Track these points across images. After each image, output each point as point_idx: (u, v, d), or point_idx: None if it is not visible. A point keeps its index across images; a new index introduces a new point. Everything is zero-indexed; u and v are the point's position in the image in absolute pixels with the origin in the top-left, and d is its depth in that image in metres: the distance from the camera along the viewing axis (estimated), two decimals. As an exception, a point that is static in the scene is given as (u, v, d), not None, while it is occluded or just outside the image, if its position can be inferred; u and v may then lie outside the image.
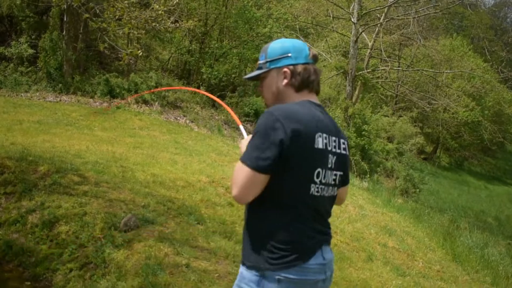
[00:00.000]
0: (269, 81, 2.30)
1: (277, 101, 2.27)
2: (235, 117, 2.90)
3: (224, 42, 21.87)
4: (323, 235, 2.23)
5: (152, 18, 6.06)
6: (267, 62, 2.29)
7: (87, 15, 5.73)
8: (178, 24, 7.88)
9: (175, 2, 6.69)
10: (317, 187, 2.16)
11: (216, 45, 21.32)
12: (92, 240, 5.05)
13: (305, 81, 2.25)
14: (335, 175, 2.25)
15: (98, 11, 6.01)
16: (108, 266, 4.60)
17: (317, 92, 2.32)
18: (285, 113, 2.06)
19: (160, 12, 6.47)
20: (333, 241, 6.96)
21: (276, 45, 2.29)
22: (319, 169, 2.15)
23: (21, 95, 14.49)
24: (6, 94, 14.29)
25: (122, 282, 4.27)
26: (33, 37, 17.10)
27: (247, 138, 2.29)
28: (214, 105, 20.43)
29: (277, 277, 2.09)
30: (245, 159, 2.03)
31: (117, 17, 5.81)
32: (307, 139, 2.08)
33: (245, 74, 21.34)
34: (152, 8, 6.08)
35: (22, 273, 4.95)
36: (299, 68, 2.24)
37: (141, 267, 4.45)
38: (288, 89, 2.26)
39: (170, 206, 6.22)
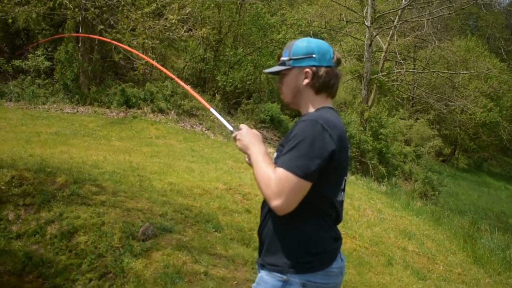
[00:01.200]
0: (289, 78, 2.29)
1: (295, 99, 2.29)
2: (203, 102, 2.80)
3: (238, 50, 21.91)
4: (340, 239, 2.30)
5: (166, 28, 6.09)
6: (290, 59, 2.26)
7: (101, 27, 5.78)
8: (191, 33, 7.90)
9: (188, 11, 6.71)
10: (341, 193, 2.24)
11: (231, 52, 21.37)
12: (111, 250, 5.07)
13: (326, 84, 2.24)
14: (345, 180, 2.29)
15: (112, 22, 6.06)
16: (127, 276, 4.62)
17: (333, 97, 2.32)
18: (328, 122, 2.06)
19: (173, 21, 6.50)
20: (352, 245, 6.94)
21: (302, 44, 2.26)
22: (345, 176, 2.26)
23: (39, 107, 14.64)
24: (24, 107, 14.45)
25: (141, 291, 4.28)
26: (49, 49, 17.28)
27: (247, 132, 2.26)
28: (229, 112, 20.47)
29: (302, 281, 2.09)
30: (293, 168, 1.97)
31: (131, 27, 5.85)
32: (346, 149, 2.16)
33: (260, 81, 21.42)
34: (166, 18, 6.11)
35: (42, 284, 5.00)
36: (322, 71, 2.22)
37: (159, 275, 4.46)
38: (308, 89, 2.25)
39: (188, 214, 6.23)
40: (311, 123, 2.04)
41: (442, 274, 6.90)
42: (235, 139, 2.29)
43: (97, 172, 7.32)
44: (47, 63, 16.44)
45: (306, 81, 2.23)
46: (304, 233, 2.12)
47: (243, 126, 2.30)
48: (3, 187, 6.14)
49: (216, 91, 20.15)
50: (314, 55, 2.23)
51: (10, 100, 14.88)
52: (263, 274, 2.17)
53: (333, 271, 2.16)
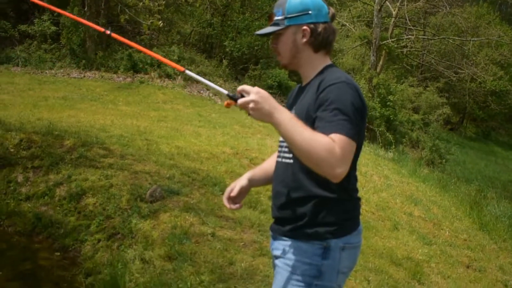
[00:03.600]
0: (286, 38, 2.16)
1: (294, 60, 2.17)
2: (176, 65, 2.31)
3: (246, 15, 21.67)
4: None
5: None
6: (285, 18, 2.13)
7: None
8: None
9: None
10: None
11: (238, 17, 21.14)
12: (119, 211, 5.12)
13: (325, 41, 2.15)
14: None
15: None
16: (135, 236, 4.67)
17: (330, 54, 2.23)
18: (354, 83, 2.03)
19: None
20: (358, 210, 6.96)
21: (295, 1, 2.14)
22: None
23: (46, 72, 14.62)
24: (31, 72, 14.44)
25: (149, 251, 4.33)
26: (55, 14, 17.13)
27: (263, 96, 1.88)
28: (237, 78, 20.36)
29: (342, 244, 2.08)
30: (349, 133, 1.88)
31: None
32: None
33: (267, 47, 21.22)
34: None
35: (52, 244, 5.07)
36: (320, 27, 2.13)
37: (167, 236, 4.50)
38: (306, 48, 2.15)
39: (195, 177, 6.25)
40: (344, 86, 1.98)
41: (447, 240, 6.92)
42: (243, 106, 1.91)
43: (105, 135, 7.33)
44: (53, 28, 16.33)
45: (305, 39, 2.13)
46: (349, 199, 2.13)
47: (252, 88, 1.91)
48: (11, 150, 6.18)
49: (223, 56, 20.01)
50: (310, 12, 2.12)
51: (17, 65, 14.87)
52: (300, 244, 2.11)
53: (361, 228, 2.19)
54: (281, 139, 2.23)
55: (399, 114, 19.34)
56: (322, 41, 2.15)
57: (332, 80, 2.01)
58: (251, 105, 1.88)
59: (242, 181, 2.40)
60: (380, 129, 17.42)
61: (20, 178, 5.87)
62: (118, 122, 8.97)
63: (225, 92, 2.02)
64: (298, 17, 2.12)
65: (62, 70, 14.99)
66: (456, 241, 6.96)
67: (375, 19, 18.63)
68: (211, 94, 16.33)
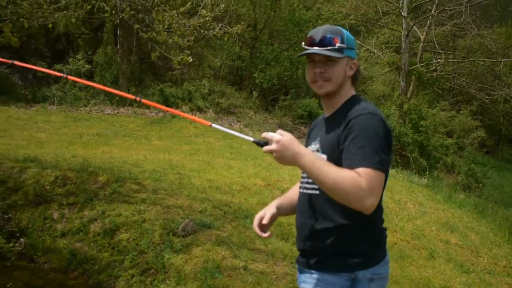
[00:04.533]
0: (341, 67, 2.19)
1: (338, 88, 2.22)
2: (202, 121, 2.45)
3: (274, 46, 21.92)
4: None
5: (200, 25, 6.17)
6: (346, 48, 2.20)
7: (137, 26, 5.90)
8: (226, 29, 7.97)
9: (222, 7, 6.78)
10: None
11: (267, 49, 21.39)
12: (152, 246, 5.17)
13: (358, 76, 2.28)
14: None
15: (148, 22, 6.19)
16: (168, 271, 4.70)
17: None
18: (380, 113, 2.09)
19: (207, 18, 6.57)
20: (392, 239, 6.85)
21: (349, 35, 2.24)
22: None
23: (81, 110, 15.02)
24: (66, 110, 14.85)
25: (181, 286, 4.36)
26: (89, 53, 17.70)
27: (286, 142, 1.97)
28: (267, 109, 20.50)
29: (370, 276, 2.09)
30: (376, 164, 1.93)
31: (166, 26, 5.95)
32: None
33: (297, 76, 21.34)
34: (200, 15, 6.18)
35: (87, 280, 5.14)
36: (357, 63, 2.27)
37: (199, 270, 4.52)
38: (348, 80, 2.24)
39: (227, 210, 6.28)
40: (370, 117, 2.03)
41: (486, 267, 6.75)
42: (269, 152, 2.00)
43: (138, 170, 7.45)
44: (87, 66, 16.84)
45: (351, 72, 2.23)
46: (374, 229, 2.14)
47: (273, 137, 1.99)
48: (47, 187, 6.33)
49: (253, 88, 20.22)
50: (355, 49, 2.26)
51: (53, 104, 15.32)
52: (326, 276, 2.12)
53: (388, 258, 2.19)
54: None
55: (432, 139, 19.08)
56: (358, 76, 2.26)
57: (357, 111, 2.07)
58: (274, 154, 1.98)
59: (271, 209, 2.43)
60: (413, 155, 17.18)
61: (55, 215, 6.00)
62: (150, 157, 9.11)
63: (251, 139, 2.13)
64: (352, 50, 2.22)
65: (96, 107, 15.38)
66: (496, 268, 6.77)
67: (403, 45, 18.59)
68: (242, 126, 16.48)
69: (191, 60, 5.45)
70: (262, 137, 2.04)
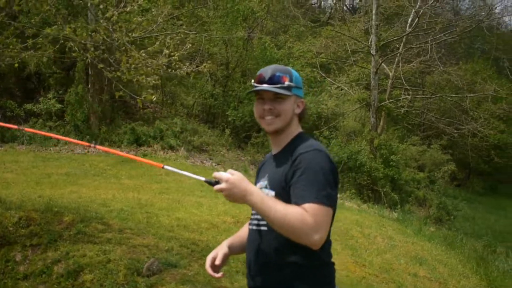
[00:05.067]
0: (289, 104, 2.28)
1: (286, 125, 2.29)
2: (152, 163, 2.60)
3: (247, 84, 22.16)
4: None
5: (166, 64, 6.25)
6: (294, 87, 2.29)
7: (101, 65, 5.96)
8: (194, 68, 8.08)
9: (188, 46, 6.90)
10: None
11: (240, 87, 21.60)
12: (116, 287, 5.09)
13: (304, 114, 2.38)
14: None
15: (112, 61, 6.25)
16: (131, 312, 4.62)
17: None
18: (325, 149, 2.16)
19: (174, 58, 6.66)
20: (361, 274, 6.88)
21: (297, 75, 2.34)
22: None
23: (50, 149, 14.86)
24: (35, 149, 14.68)
25: (144, 327, 4.28)
26: (60, 92, 17.62)
27: (234, 181, 2.03)
28: (240, 146, 20.57)
29: None
30: (323, 200, 1.97)
31: (132, 65, 6.02)
32: None
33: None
34: (165, 55, 6.27)
35: (49, 323, 5.01)
36: (304, 102, 2.39)
37: (163, 311, 4.46)
38: (295, 118, 2.33)
39: (194, 248, 6.24)
40: (316, 153, 2.10)
41: (454, 300, 6.81)
42: (219, 190, 2.06)
43: (105, 210, 7.39)
44: (58, 106, 16.73)
45: (298, 110, 2.33)
46: (322, 264, 2.18)
47: (222, 176, 2.07)
48: (10, 229, 6.22)
49: (226, 125, 20.32)
50: (302, 88, 2.36)
51: (22, 144, 15.13)
52: None
53: None
54: None
55: (403, 173, 19.31)
56: (304, 114, 2.36)
57: (304, 148, 2.14)
58: (224, 192, 2.05)
59: (223, 249, 2.46)
60: (385, 190, 17.36)
61: (18, 257, 5.88)
62: (119, 196, 9.03)
63: (202, 179, 2.22)
64: (300, 89, 2.32)
65: (66, 147, 15.23)
66: (463, 301, 6.83)
67: (372, 82, 19.00)
68: (214, 164, 16.47)
69: (155, 98, 5.50)
70: (213, 176, 2.10)
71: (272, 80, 2.26)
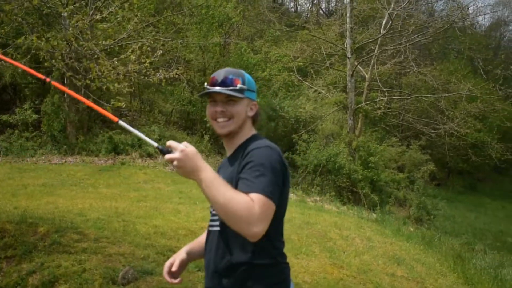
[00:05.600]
0: (241, 107, 2.32)
1: (239, 128, 2.33)
2: (109, 115, 2.39)
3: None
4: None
5: (137, 71, 6.26)
6: (247, 90, 2.34)
7: (69, 74, 5.95)
8: (166, 74, 8.09)
9: (159, 53, 6.92)
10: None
11: (217, 93, 21.58)
12: (91, 296, 5.07)
13: (258, 117, 2.41)
14: None
15: (80, 70, 6.25)
16: (106, 321, 4.60)
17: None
18: (276, 147, 2.18)
19: (145, 65, 6.67)
20: (338, 275, 6.92)
21: (250, 78, 2.38)
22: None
23: (27, 160, 14.72)
24: (12, 161, 14.52)
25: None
26: (36, 102, 17.48)
27: (187, 155, 1.97)
28: (219, 152, 20.56)
29: None
30: (268, 194, 1.97)
31: (101, 73, 6.02)
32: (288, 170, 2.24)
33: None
34: (134, 62, 6.29)
35: (23, 336, 4.96)
36: (257, 105, 2.42)
37: (137, 318, 4.45)
38: (249, 121, 2.37)
39: (170, 255, 6.18)
40: (268, 150, 2.13)
41: (431, 298, 6.88)
42: (169, 161, 2.01)
43: (81, 220, 7.35)
44: (34, 116, 16.59)
45: (251, 113, 2.37)
46: (273, 263, 2.19)
47: (178, 146, 2.00)
48: (-16, 242, 6.15)
49: (204, 132, 20.31)
50: (255, 91, 2.40)
51: (-2, 155, 14.97)
52: None
53: None
54: (211, 208, 2.30)
55: (382, 175, 19.45)
56: (258, 118, 2.40)
57: (256, 145, 2.17)
58: (174, 162, 1.97)
59: (181, 255, 2.52)
60: (364, 191, 17.47)
61: (-7, 270, 5.82)
62: (96, 205, 8.98)
63: (155, 144, 2.11)
64: (253, 92, 2.36)
65: (43, 157, 15.10)
66: (440, 299, 6.91)
67: (349, 84, 19.15)
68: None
69: (124, 105, 5.52)
70: (167, 145, 2.02)
71: (224, 83, 2.30)
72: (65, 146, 15.84)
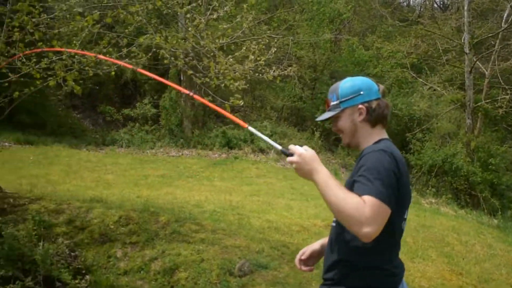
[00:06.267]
0: (344, 120, 2.35)
1: (354, 138, 2.35)
2: (238, 121, 2.65)
3: (336, 86, 21.96)
4: (403, 270, 2.33)
5: (252, 69, 6.37)
6: (340, 102, 2.34)
7: (190, 72, 6.17)
8: (280, 72, 8.16)
9: (273, 51, 6.99)
10: (404, 223, 2.30)
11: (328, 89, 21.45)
12: (209, 286, 5.24)
13: (380, 116, 2.33)
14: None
15: (201, 68, 6.45)
16: (224, 311, 4.73)
17: (386, 127, 2.39)
18: (392, 152, 2.15)
19: (260, 62, 6.76)
20: (457, 282, 6.61)
21: (346, 85, 2.35)
22: (409, 204, 2.31)
23: (147, 152, 15.55)
24: (133, 152, 15.41)
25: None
26: (155, 97, 18.45)
27: (306, 157, 2.15)
28: (330, 149, 20.43)
29: None
30: (382, 196, 1.99)
31: (219, 71, 6.19)
32: (408, 177, 2.23)
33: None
34: (251, 60, 6.39)
35: (147, 318, 5.23)
36: (374, 104, 2.32)
37: (254, 310, 4.53)
38: (364, 125, 2.33)
39: (284, 251, 6.28)
40: (381, 154, 2.11)
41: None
42: (291, 163, 2.19)
43: (198, 211, 7.62)
44: (153, 110, 17.53)
45: (361, 117, 2.32)
46: (376, 267, 2.20)
47: (297, 149, 2.19)
48: (111, 227, 6.57)
49: (315, 128, 20.25)
50: (361, 92, 2.32)
51: (121, 146, 15.97)
52: None
53: None
54: None
55: (503, 178, 18.28)
56: (377, 116, 2.32)
57: (370, 149, 2.18)
58: (293, 165, 2.17)
59: (314, 245, 2.60)
60: (483, 195, 16.51)
61: (119, 254, 6.19)
62: (212, 198, 9.27)
63: (279, 147, 2.35)
64: (351, 99, 2.32)
65: (161, 150, 15.88)
66: None
67: (467, 81, 18.14)
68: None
69: (242, 103, 5.61)
70: (289, 148, 2.22)
71: (328, 105, 2.42)
72: (181, 140, 16.54)
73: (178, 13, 10.18)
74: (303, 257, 2.54)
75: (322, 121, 2.46)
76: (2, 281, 6.05)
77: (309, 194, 11.15)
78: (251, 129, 2.52)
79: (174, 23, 15.41)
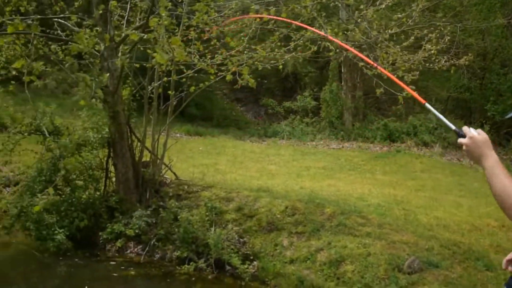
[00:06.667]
0: None
1: None
2: (417, 96, 2.63)
3: (508, 75, 20.27)
4: None
5: (424, 59, 6.11)
6: None
7: (362, 64, 6.09)
8: (452, 62, 7.74)
9: (446, 39, 6.63)
10: None
11: (500, 79, 19.89)
12: (377, 280, 5.16)
13: None
14: None
15: (372, 59, 6.33)
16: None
17: None
18: None
19: (432, 51, 6.46)
20: None
21: None
22: None
23: (307, 144, 15.75)
24: (294, 144, 15.71)
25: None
26: (315, 90, 18.60)
27: (478, 142, 2.06)
28: (500, 143, 18.95)
29: None
30: None
31: (390, 62, 6.02)
32: None
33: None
34: (424, 49, 6.13)
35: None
36: None
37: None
38: None
39: (455, 250, 5.96)
40: None
41: None
42: (460, 144, 2.13)
43: (362, 204, 7.53)
44: (313, 103, 17.70)
45: None
46: None
47: (469, 131, 2.12)
48: (278, 216, 6.77)
49: (484, 121, 18.91)
50: None
51: (283, 138, 16.38)
52: None
53: None
54: None
55: None
56: None
57: None
58: (464, 147, 2.11)
59: None
60: None
61: (285, 242, 6.36)
62: (375, 191, 9.11)
63: (453, 127, 2.27)
64: None
65: (322, 142, 15.97)
66: None
67: None
68: (472, 162, 15.47)
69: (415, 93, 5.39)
70: (463, 129, 2.17)
71: None
72: (341, 132, 16.49)
73: (340, 4, 10.13)
74: (508, 257, 2.36)
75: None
76: (178, 261, 6.57)
77: (478, 191, 10.44)
78: (428, 106, 2.48)
79: (336, 15, 15.35)
